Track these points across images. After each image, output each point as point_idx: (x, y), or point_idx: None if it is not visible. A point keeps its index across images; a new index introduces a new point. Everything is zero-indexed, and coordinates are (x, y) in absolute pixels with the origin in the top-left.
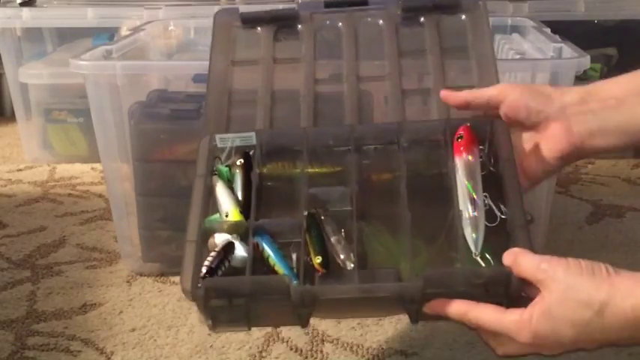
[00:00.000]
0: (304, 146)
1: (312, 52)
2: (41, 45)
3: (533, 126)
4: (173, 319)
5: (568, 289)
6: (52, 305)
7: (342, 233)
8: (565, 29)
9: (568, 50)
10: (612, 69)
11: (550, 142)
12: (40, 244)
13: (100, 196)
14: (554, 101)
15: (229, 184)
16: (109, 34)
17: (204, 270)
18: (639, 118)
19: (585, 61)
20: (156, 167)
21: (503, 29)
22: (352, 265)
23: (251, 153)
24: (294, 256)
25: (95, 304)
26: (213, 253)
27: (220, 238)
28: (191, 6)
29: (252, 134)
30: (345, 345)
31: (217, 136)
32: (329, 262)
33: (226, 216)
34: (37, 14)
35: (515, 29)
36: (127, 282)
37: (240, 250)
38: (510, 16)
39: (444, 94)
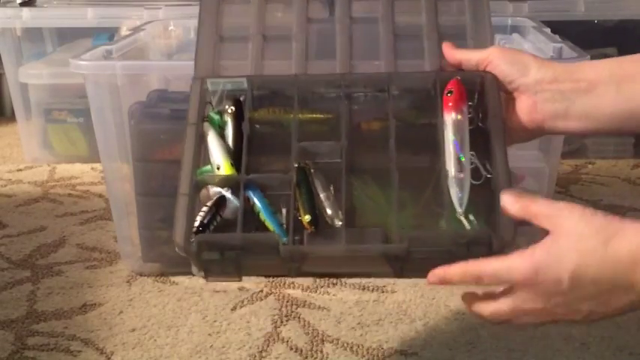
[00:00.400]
0: (295, 93)
1: None
2: (41, 45)
3: (509, 93)
4: (173, 319)
5: (580, 221)
6: (52, 305)
7: (331, 188)
8: (565, 29)
9: (568, 50)
10: None
11: (516, 114)
12: (40, 244)
13: (100, 196)
14: (529, 73)
15: (221, 131)
16: (109, 34)
17: (196, 225)
18: (606, 104)
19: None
20: (156, 167)
21: (503, 29)
22: (340, 223)
23: (242, 99)
24: (284, 211)
25: (95, 304)
26: (205, 208)
27: (213, 189)
28: (191, 6)
29: (244, 79)
30: (345, 345)
31: (208, 80)
32: (318, 220)
33: (218, 168)
34: (37, 14)
35: (515, 29)
36: (127, 282)
37: (232, 202)
38: (510, 16)
39: (446, 46)
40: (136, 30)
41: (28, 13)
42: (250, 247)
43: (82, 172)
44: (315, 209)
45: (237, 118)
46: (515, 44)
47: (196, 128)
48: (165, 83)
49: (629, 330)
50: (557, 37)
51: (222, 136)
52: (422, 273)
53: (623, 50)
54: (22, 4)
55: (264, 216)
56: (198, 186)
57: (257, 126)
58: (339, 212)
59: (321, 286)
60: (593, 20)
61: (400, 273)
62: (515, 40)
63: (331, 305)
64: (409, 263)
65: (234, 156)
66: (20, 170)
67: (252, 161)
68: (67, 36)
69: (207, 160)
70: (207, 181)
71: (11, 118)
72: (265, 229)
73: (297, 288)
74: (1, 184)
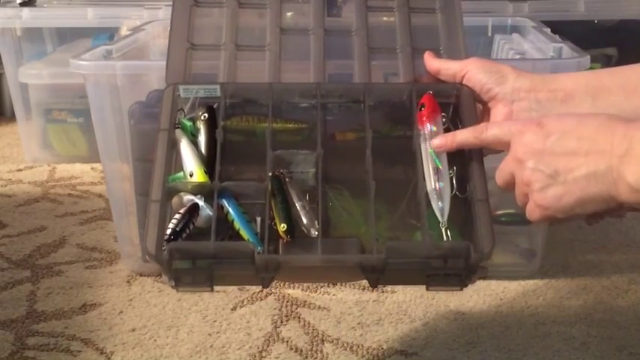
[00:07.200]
0: (269, 101)
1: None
2: (41, 45)
3: (485, 102)
4: (173, 319)
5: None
6: (52, 305)
7: (307, 198)
8: (565, 29)
9: (568, 50)
10: None
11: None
12: (40, 244)
13: (100, 196)
14: (507, 82)
15: (193, 139)
16: (109, 34)
17: (168, 232)
18: None
19: (585, 61)
20: None
21: (503, 29)
22: (316, 233)
23: (215, 106)
24: (258, 220)
25: (95, 304)
26: (177, 216)
27: (186, 197)
28: None
29: (217, 87)
30: (345, 345)
31: (181, 87)
32: (294, 229)
33: (191, 175)
34: (37, 14)
35: (515, 29)
36: (127, 282)
37: (205, 210)
38: (510, 16)
39: (427, 54)
40: (136, 30)
41: (28, 13)
42: (224, 255)
43: (82, 172)
44: (291, 219)
45: (210, 125)
46: (515, 44)
47: (168, 134)
48: None
49: (629, 330)
50: (557, 37)
51: (194, 143)
52: (397, 283)
53: (623, 50)
54: (22, 4)
55: (238, 224)
56: (170, 193)
57: (230, 136)
58: (315, 222)
59: (321, 286)
60: (593, 20)
61: (375, 284)
62: (515, 40)
63: (331, 305)
64: (385, 274)
65: (207, 163)
66: (20, 170)
67: (224, 170)
68: (67, 36)
69: (179, 168)
70: (180, 188)
71: (11, 118)
72: (239, 238)
73: (297, 288)
74: (1, 184)
